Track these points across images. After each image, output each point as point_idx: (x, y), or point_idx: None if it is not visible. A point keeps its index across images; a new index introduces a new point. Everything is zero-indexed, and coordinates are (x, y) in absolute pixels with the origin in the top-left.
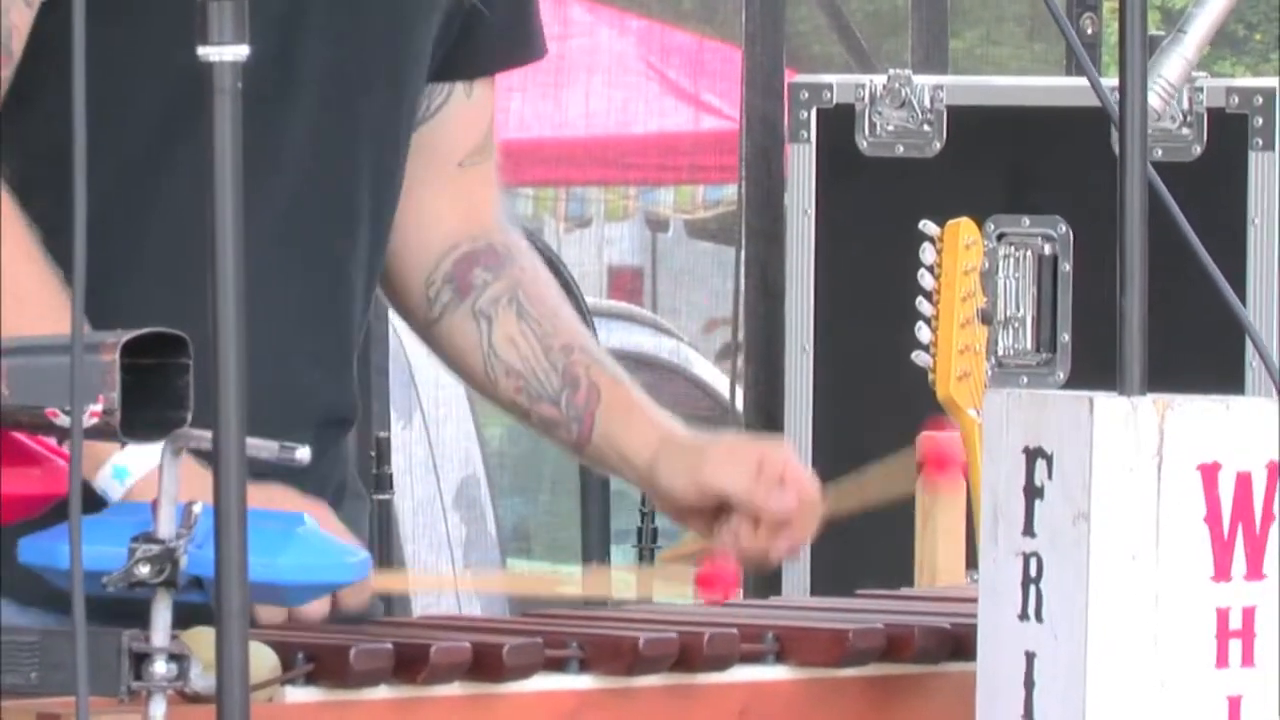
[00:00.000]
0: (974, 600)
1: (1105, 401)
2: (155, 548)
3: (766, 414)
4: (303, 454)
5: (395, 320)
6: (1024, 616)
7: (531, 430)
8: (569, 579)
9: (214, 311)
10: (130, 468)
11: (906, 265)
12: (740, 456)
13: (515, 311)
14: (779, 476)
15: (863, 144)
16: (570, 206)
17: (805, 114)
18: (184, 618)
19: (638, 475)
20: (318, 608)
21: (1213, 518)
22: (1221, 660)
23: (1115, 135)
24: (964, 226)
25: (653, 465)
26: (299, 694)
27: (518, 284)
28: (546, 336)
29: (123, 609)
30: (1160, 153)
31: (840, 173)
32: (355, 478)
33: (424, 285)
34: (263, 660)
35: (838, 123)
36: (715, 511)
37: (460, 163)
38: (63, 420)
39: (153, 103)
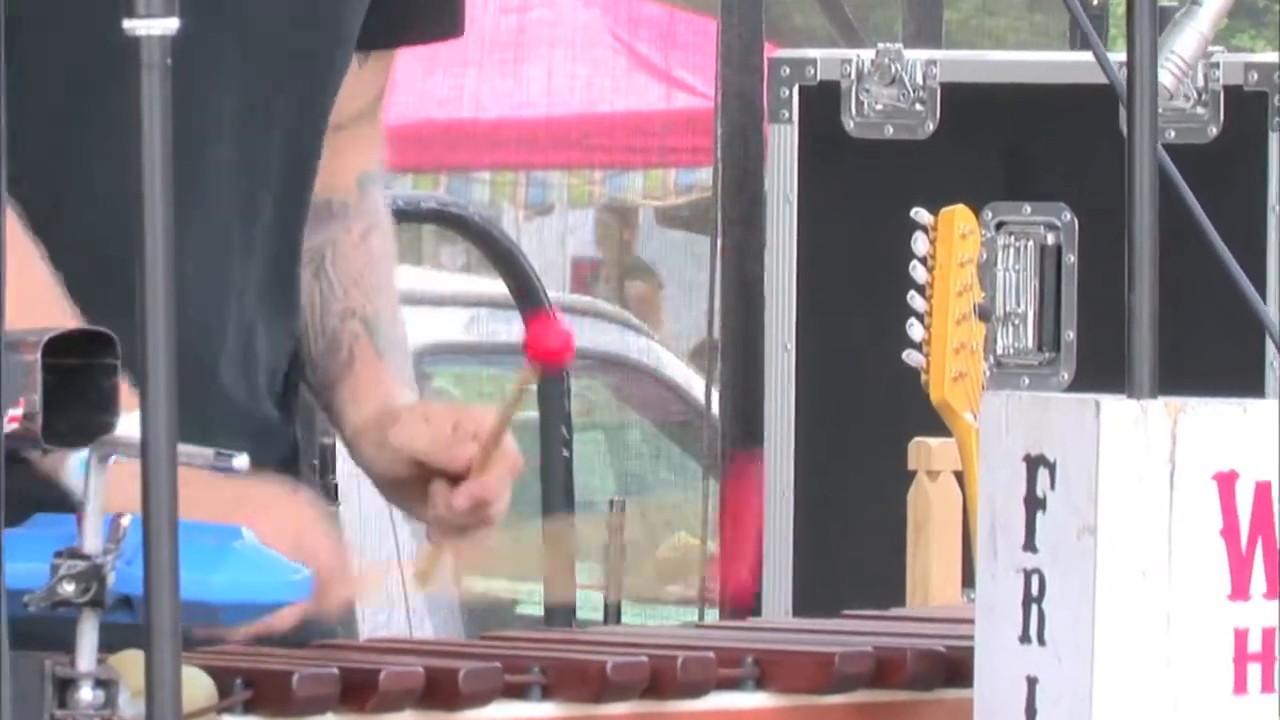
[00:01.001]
0: (970, 621)
1: (1113, 405)
2: (80, 564)
3: (744, 418)
4: (240, 462)
5: None
6: (1025, 639)
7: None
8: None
9: (142, 313)
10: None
11: (897, 256)
12: (434, 418)
13: (312, 271)
14: (473, 435)
15: (849, 124)
16: (530, 192)
17: (786, 92)
18: (112, 640)
19: (352, 455)
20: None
21: (1229, 531)
22: (1240, 686)
23: (1123, 115)
24: (959, 214)
25: (356, 436)
26: None
27: (331, 243)
28: (331, 300)
29: (45, 631)
30: (1173, 134)
31: (825, 156)
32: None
33: None
34: (197, 687)
35: (822, 101)
36: (421, 484)
37: (337, 125)
38: None
39: (71, 62)
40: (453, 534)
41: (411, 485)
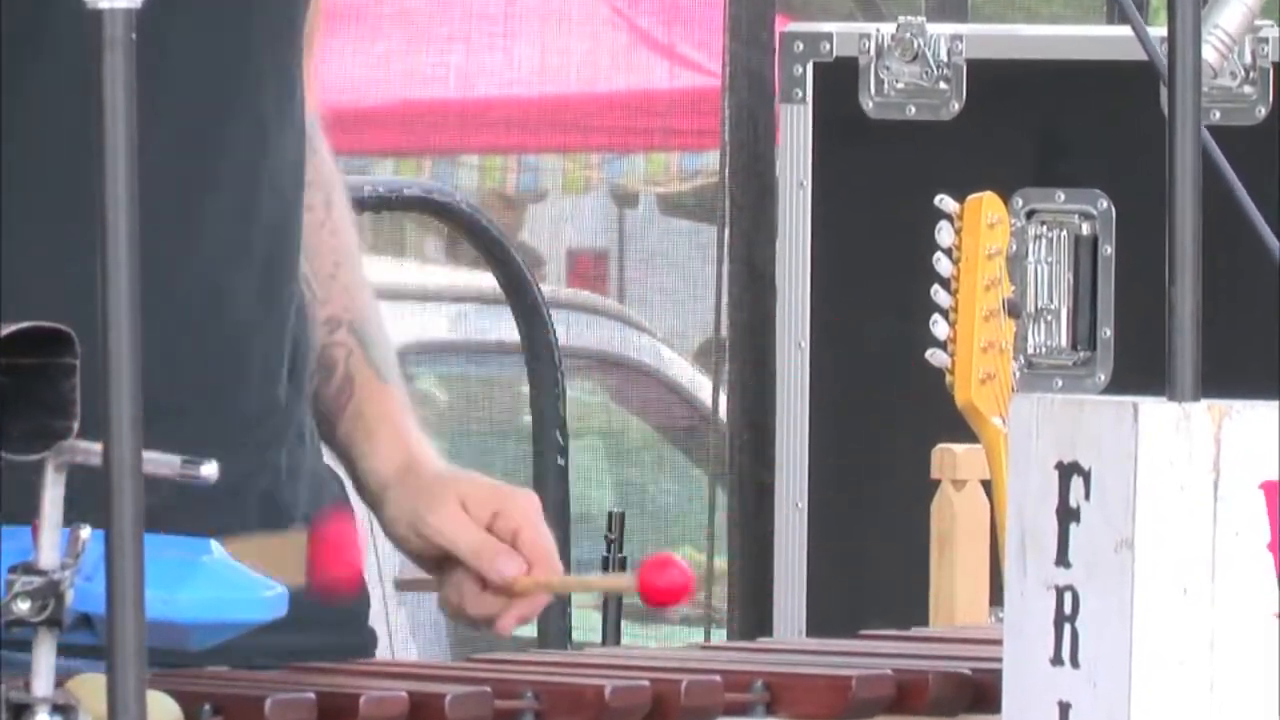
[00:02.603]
0: (998, 641)
1: (1152, 408)
2: (36, 580)
3: (754, 423)
4: (208, 470)
5: None
6: (1057, 660)
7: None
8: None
9: (104, 313)
10: None
11: (920, 248)
12: (474, 506)
13: None
14: (512, 535)
15: (868, 104)
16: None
17: (800, 69)
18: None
19: (367, 501)
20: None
21: (1278, 544)
22: None
23: (1164, 94)
24: (987, 202)
25: (380, 496)
26: None
27: None
28: (312, 304)
29: None
30: (1218, 115)
31: (841, 138)
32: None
33: None
34: (163, 712)
35: (838, 80)
36: (443, 560)
37: None
38: None
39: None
40: (464, 620)
41: (431, 558)
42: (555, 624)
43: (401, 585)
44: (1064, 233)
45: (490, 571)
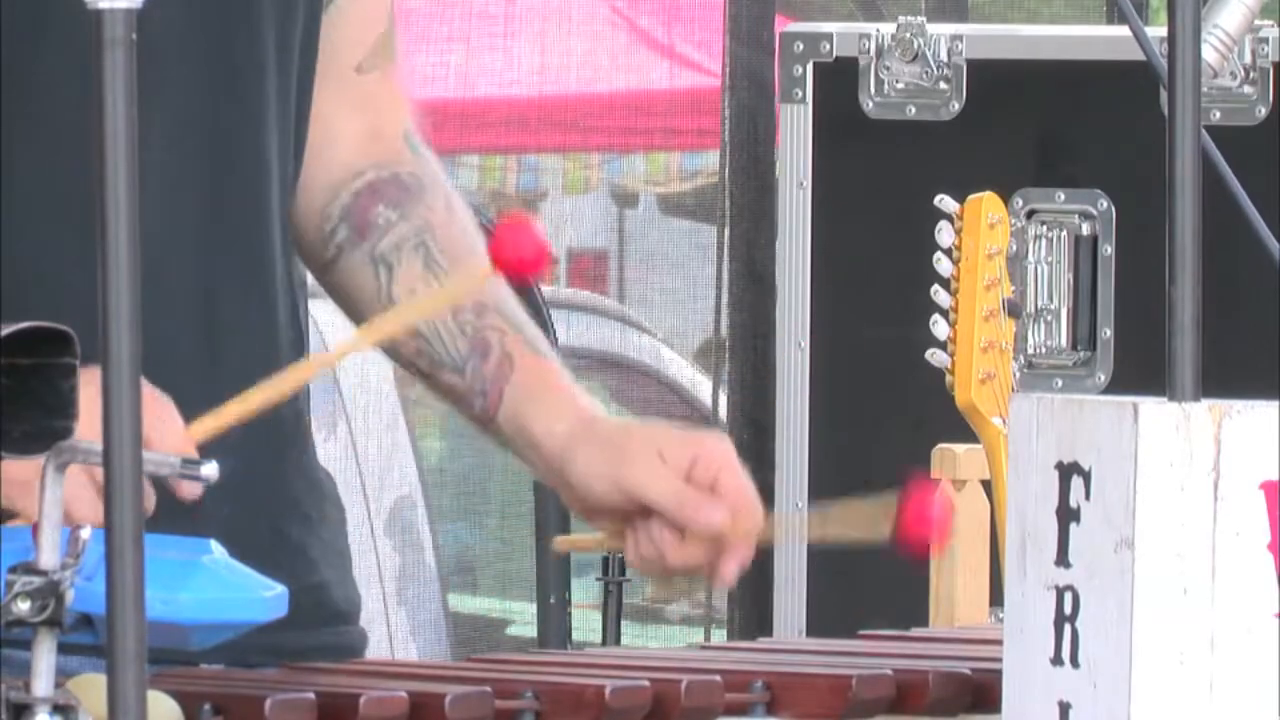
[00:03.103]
0: (998, 642)
1: (1152, 408)
2: (36, 580)
3: (754, 423)
4: (209, 470)
5: (316, 313)
6: (1057, 661)
7: (436, 399)
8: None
9: (105, 310)
10: None
11: (920, 248)
12: (671, 455)
13: (421, 260)
14: (712, 482)
15: (868, 105)
16: (522, 178)
17: (800, 69)
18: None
19: (547, 465)
20: None
21: (1278, 544)
22: None
23: (1164, 94)
24: (987, 202)
25: (566, 455)
26: None
27: (427, 227)
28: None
29: None
30: (1218, 115)
31: (841, 138)
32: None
33: (320, 219)
34: (163, 711)
35: (838, 79)
36: (634, 513)
37: (358, 66)
38: None
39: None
40: (657, 572)
41: (621, 512)
42: (555, 624)
43: (560, 545)
44: (1064, 233)
45: (696, 522)
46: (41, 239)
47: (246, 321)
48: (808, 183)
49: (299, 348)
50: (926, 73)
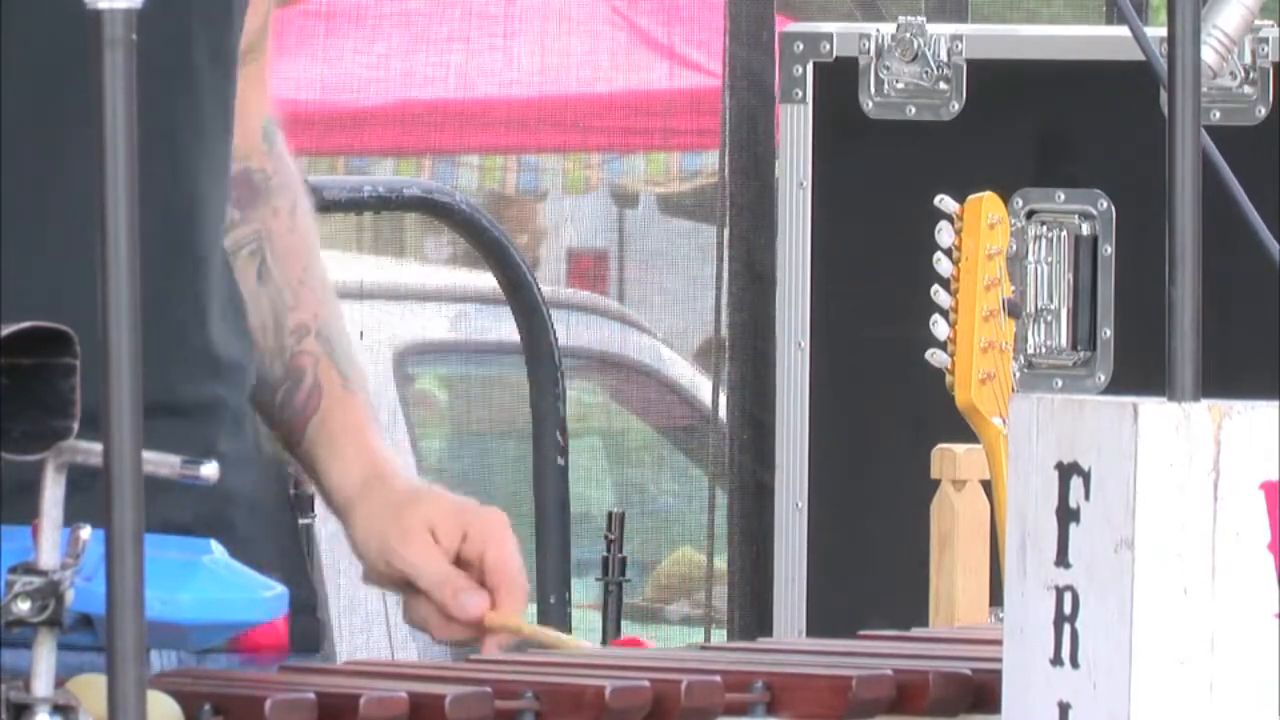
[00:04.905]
0: (998, 642)
1: (1152, 408)
2: (36, 580)
3: (754, 422)
4: (209, 470)
5: None
6: (1057, 661)
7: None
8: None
9: (105, 311)
10: None
11: (920, 248)
12: (443, 533)
13: (255, 270)
14: (479, 556)
15: (868, 105)
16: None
17: (800, 69)
18: (71, 663)
19: (335, 514)
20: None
21: (1278, 544)
22: None
23: (1164, 95)
24: (987, 202)
25: (347, 512)
26: None
27: (266, 233)
28: (283, 310)
29: None
30: (1217, 115)
31: (841, 138)
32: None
33: None
34: (164, 712)
35: (838, 79)
36: (405, 583)
37: None
38: None
39: (40, 49)
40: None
41: (395, 580)
42: (555, 624)
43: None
44: (1064, 233)
45: (455, 609)
46: (39, 236)
47: (179, 316)
48: (808, 183)
49: (244, 339)
50: (926, 73)
